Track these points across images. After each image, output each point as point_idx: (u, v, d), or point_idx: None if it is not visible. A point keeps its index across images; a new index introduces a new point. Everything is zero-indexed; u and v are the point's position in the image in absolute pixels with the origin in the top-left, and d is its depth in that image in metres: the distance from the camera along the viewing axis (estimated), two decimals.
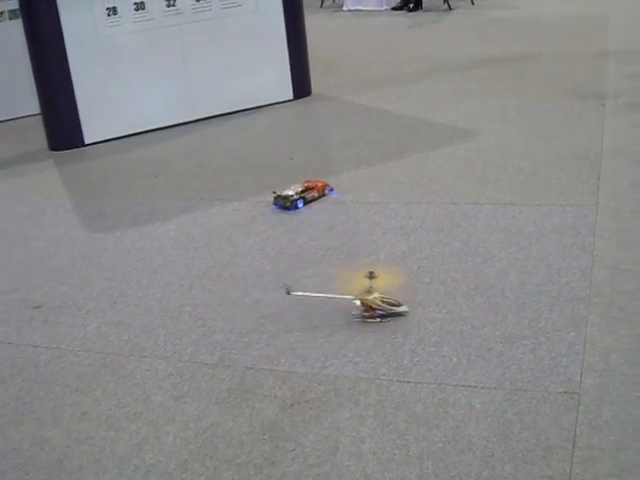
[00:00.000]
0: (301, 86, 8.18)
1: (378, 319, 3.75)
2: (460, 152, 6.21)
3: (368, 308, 3.76)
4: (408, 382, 3.39)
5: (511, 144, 6.31)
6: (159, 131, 7.48)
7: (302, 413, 3.24)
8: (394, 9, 13.35)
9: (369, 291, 3.73)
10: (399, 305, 3.80)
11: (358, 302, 3.70)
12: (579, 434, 3.00)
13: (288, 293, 3.61)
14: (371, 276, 3.69)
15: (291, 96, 8.11)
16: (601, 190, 5.25)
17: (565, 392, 3.25)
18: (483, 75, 8.65)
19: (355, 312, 3.75)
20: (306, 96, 8.22)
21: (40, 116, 7.42)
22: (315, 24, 11.43)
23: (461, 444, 2.99)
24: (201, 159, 6.65)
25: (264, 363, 3.63)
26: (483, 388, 3.31)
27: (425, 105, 7.62)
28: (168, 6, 7.41)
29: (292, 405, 3.30)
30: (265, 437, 3.13)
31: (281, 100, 8.05)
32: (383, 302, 3.75)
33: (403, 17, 12.80)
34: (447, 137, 6.55)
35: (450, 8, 13.08)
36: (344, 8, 13.89)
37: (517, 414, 3.14)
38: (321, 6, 14.33)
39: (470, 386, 3.33)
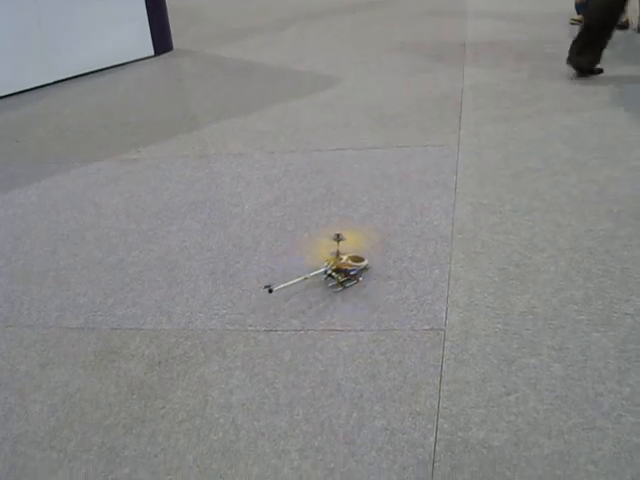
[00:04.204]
0: (161, 41, 8.03)
1: (355, 280, 3.65)
2: (323, 99, 6.21)
3: (344, 274, 3.65)
4: (275, 331, 3.38)
5: (374, 89, 6.35)
6: (17, 95, 7.22)
7: (170, 370, 3.21)
8: None
9: (338, 255, 3.63)
10: (362, 260, 3.73)
11: (331, 271, 3.59)
12: (445, 369, 3.05)
13: (270, 291, 3.49)
14: (338, 239, 3.60)
15: (152, 52, 7.96)
16: (462, 129, 5.32)
17: (431, 329, 3.30)
18: (346, 22, 8.65)
19: (333, 283, 3.64)
20: (167, 51, 8.07)
21: None
22: None
23: (330, 388, 3.01)
24: (62, 122, 6.46)
25: (130, 323, 3.57)
26: (350, 331, 3.33)
27: (287, 54, 7.58)
28: None
29: (159, 363, 3.26)
30: (134, 397, 3.08)
31: (142, 57, 7.89)
32: (352, 261, 3.66)
33: None
34: (309, 85, 6.53)
35: None
36: None
37: (384, 354, 3.16)
38: None
39: (337, 330, 3.34)
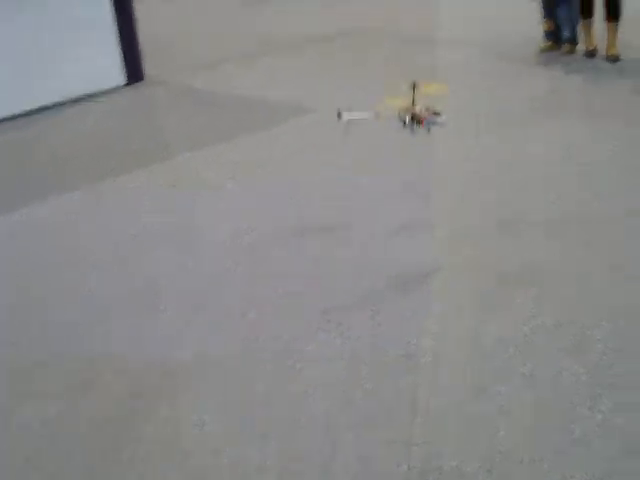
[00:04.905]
0: (133, 71, 7.97)
1: (427, 128, 3.79)
2: (296, 128, 6.22)
3: (417, 119, 3.79)
4: (249, 360, 3.37)
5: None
6: None
7: (143, 401, 3.19)
8: None
9: (413, 102, 3.77)
10: (440, 114, 3.85)
11: (408, 117, 3.77)
12: (419, 396, 3.06)
13: (339, 116, 3.69)
14: (414, 86, 3.75)
15: (124, 82, 7.90)
16: (435, 159, 5.33)
17: (404, 356, 3.30)
18: (320, 51, 8.67)
19: (405, 125, 3.78)
20: (139, 81, 8.02)
21: None
22: (147, 5, 11.18)
23: (304, 418, 3.00)
24: (32, 151, 6.41)
25: (102, 354, 3.53)
26: (324, 360, 3.33)
27: (261, 83, 7.58)
28: None
29: (133, 394, 3.23)
30: (106, 430, 3.06)
31: (114, 86, 7.81)
32: (428, 111, 3.80)
33: None
34: (283, 114, 6.54)
35: None
36: None
37: (358, 382, 3.17)
38: None
39: (310, 359, 3.34)
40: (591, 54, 7.51)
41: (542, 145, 5.48)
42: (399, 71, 7.45)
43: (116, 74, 7.84)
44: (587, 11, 7.48)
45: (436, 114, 3.82)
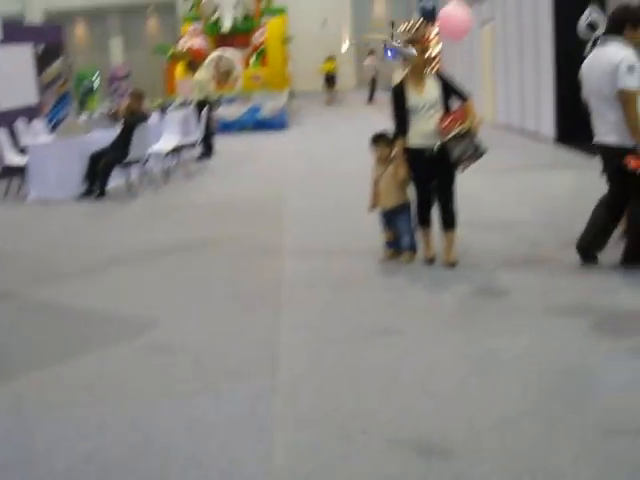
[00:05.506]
0: None
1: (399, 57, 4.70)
2: (140, 345, 6.20)
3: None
4: None
5: (191, 334, 6.37)
6: None
7: None
8: (80, 196, 13.23)
9: (392, 37, 4.58)
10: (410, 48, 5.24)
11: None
12: None
13: (344, 42, 4.68)
14: (393, 24, 4.55)
15: None
16: (280, 371, 5.41)
17: None
18: (165, 263, 8.72)
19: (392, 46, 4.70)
20: None
21: None
22: None
23: None
24: None
25: None
26: None
27: (106, 297, 7.50)
28: None
29: None
30: None
31: None
32: (402, 44, 4.58)
33: (89, 205, 12.74)
34: (127, 330, 6.49)
35: (134, 195, 13.21)
36: (29, 197, 13.57)
37: None
38: (5, 195, 13.98)
39: None
40: (430, 261, 7.87)
41: (384, 354, 5.64)
42: (241, 286, 7.60)
43: None
44: (424, 221, 7.91)
45: (407, 47, 4.86)
